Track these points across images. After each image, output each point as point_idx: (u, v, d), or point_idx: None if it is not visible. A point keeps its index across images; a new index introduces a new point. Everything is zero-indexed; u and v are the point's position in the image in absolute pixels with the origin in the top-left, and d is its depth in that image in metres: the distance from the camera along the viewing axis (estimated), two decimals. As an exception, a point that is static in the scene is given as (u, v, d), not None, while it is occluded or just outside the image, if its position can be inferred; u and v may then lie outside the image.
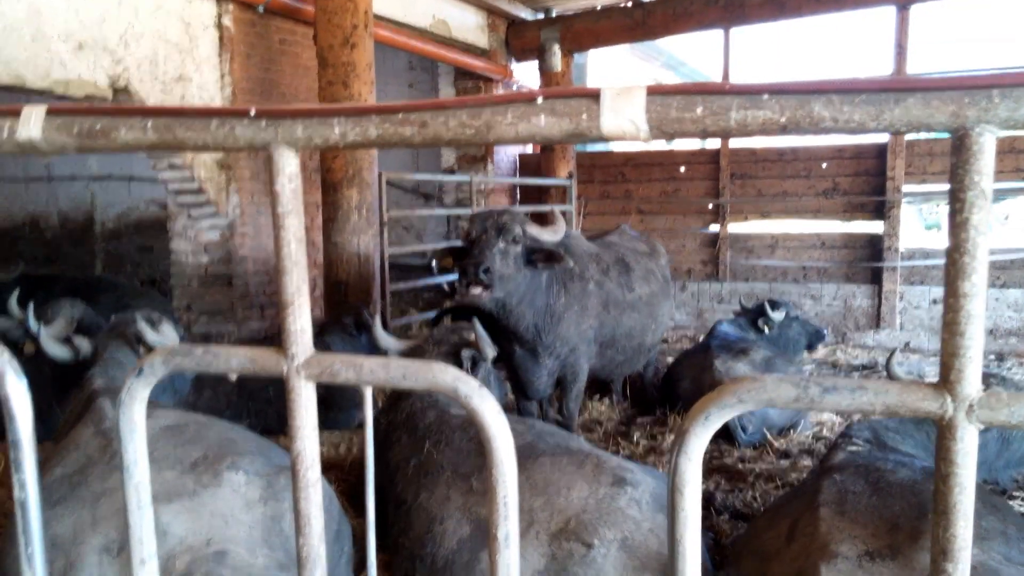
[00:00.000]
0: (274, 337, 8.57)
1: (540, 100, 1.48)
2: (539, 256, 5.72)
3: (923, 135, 11.81)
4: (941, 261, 11.29)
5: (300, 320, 1.72)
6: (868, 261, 11.67)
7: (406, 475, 4.23)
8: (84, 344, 5.15)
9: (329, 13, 7.71)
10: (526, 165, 13.59)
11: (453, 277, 11.69)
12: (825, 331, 9.16)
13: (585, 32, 12.49)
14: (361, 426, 7.09)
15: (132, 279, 13.97)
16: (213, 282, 8.15)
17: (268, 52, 8.33)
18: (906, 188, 11.47)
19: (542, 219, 6.59)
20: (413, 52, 10.60)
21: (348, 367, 1.70)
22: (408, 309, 11.90)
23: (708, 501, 5.34)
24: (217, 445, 3.91)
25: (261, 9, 8.17)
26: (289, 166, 1.67)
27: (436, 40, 10.99)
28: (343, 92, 7.76)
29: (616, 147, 14.23)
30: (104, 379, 4.62)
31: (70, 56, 6.50)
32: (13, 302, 6.37)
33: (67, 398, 6.27)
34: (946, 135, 1.21)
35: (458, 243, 5.82)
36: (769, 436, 6.80)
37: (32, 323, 5.62)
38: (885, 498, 3.46)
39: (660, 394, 7.67)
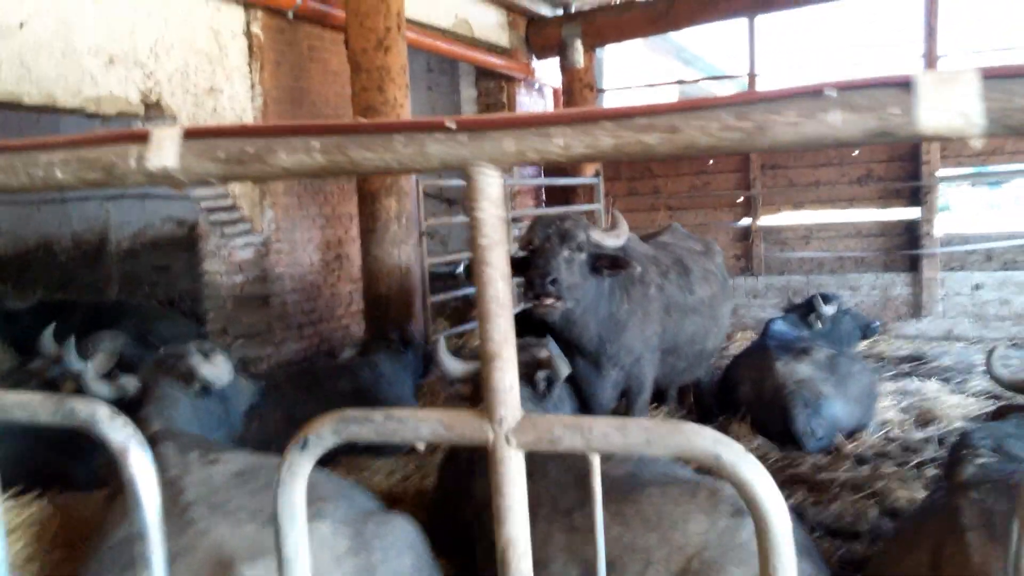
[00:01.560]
0: (315, 357, 8.28)
1: (832, 92, 1.18)
2: (604, 262, 5.44)
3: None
4: (981, 245, 11.03)
5: (508, 376, 1.43)
6: (906, 248, 11.37)
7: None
8: (131, 382, 4.82)
9: (361, 16, 7.44)
10: (551, 165, 13.28)
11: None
12: (877, 323, 8.87)
13: (608, 26, 12.19)
14: (412, 451, 6.79)
15: (149, 300, 13.68)
16: (248, 302, 7.85)
17: (298, 59, 8.04)
18: (941, 172, 11.16)
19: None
20: (437, 53, 10.31)
21: (572, 432, 1.41)
22: (438, 320, 11.60)
23: (798, 518, 5.05)
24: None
25: (291, 15, 7.88)
26: (493, 188, 1.38)
27: (459, 40, 10.70)
28: (378, 97, 7.48)
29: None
30: (161, 421, 4.32)
31: (101, 71, 6.21)
32: (48, 338, 6.05)
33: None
34: None
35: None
36: (839, 439, 6.51)
37: (75, 361, 5.31)
38: (1039, 517, 3.16)
39: (718, 400, 7.35)
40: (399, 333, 7.05)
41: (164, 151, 1.57)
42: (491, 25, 11.77)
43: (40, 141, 1.68)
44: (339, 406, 5.75)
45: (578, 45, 12.20)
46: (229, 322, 7.89)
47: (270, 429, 6.12)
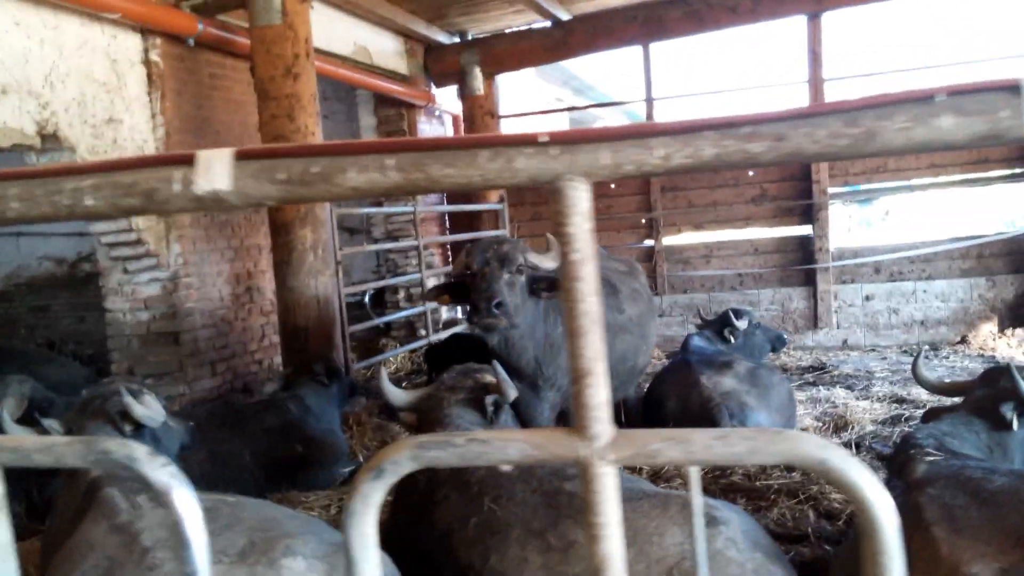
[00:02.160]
0: (230, 393, 7.99)
1: (942, 97, 1.21)
2: (542, 284, 5.46)
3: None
4: (870, 259, 11.58)
5: (601, 391, 1.39)
6: (801, 264, 11.84)
7: (465, 538, 3.85)
8: (53, 426, 4.53)
9: (268, 43, 7.28)
10: (453, 192, 13.27)
11: (400, 315, 11.34)
12: (785, 335, 9.18)
13: (506, 54, 12.32)
14: (345, 483, 6.63)
15: (27, 343, 12.93)
16: (157, 340, 7.51)
17: (199, 88, 7.79)
18: (831, 190, 11.70)
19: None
20: (340, 80, 10.18)
21: (671, 445, 1.39)
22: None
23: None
24: (260, 527, 3.50)
25: (191, 42, 7.64)
26: (584, 202, 1.35)
27: (359, 68, 10.61)
28: (288, 125, 7.33)
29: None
30: (105, 465, 4.07)
31: (-6, 102, 5.88)
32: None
33: (43, 489, 5.62)
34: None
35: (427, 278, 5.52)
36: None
37: None
38: (994, 509, 3.32)
39: (644, 416, 7.45)
40: (323, 365, 6.87)
41: (214, 173, 1.48)
42: (389, 53, 11.72)
43: (66, 167, 1.57)
44: (265, 442, 5.67)
45: (477, 72, 12.28)
46: (135, 361, 7.53)
47: (194, 470, 5.85)
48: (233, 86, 8.22)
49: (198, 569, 1.61)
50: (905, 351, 11.01)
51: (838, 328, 11.67)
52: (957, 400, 4.83)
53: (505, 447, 1.44)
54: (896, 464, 4.07)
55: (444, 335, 10.62)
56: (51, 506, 5.42)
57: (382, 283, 11.38)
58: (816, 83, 11.41)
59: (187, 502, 1.63)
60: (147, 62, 7.36)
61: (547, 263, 5.56)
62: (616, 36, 11.87)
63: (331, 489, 6.51)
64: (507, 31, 12.61)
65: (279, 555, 3.29)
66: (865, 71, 13.56)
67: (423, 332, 12.37)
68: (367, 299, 12.43)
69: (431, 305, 10.15)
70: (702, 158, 1.29)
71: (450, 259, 12.97)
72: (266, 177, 1.44)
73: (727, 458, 1.39)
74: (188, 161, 1.50)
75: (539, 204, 12.87)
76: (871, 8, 11.29)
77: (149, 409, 4.35)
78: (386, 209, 11.02)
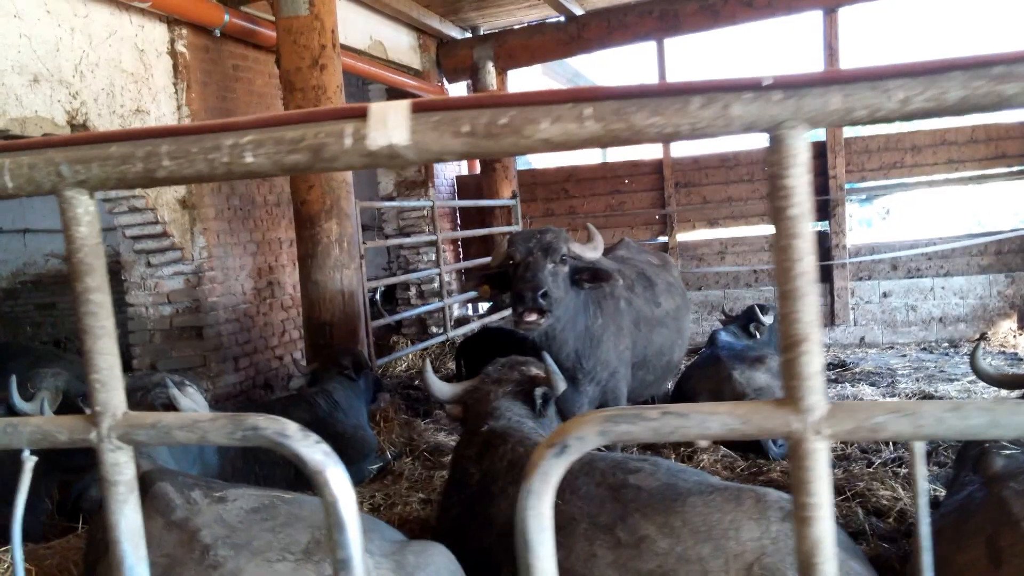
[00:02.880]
0: (252, 390, 7.86)
1: None
2: (585, 276, 5.36)
3: (859, 131, 12.09)
4: (887, 255, 11.50)
5: (816, 360, 1.29)
6: (817, 260, 11.73)
7: (527, 532, 3.75)
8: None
9: (295, 33, 7.16)
10: (464, 187, 13.19)
11: (411, 313, 11.19)
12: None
13: (519, 48, 12.22)
14: (374, 480, 6.52)
15: (33, 342, 12.78)
16: (180, 335, 7.38)
17: (223, 79, 7.67)
18: (848, 185, 11.63)
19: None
20: (354, 74, 10.06)
21: (897, 417, 1.28)
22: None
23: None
24: (321, 524, 3.39)
25: (218, 32, 7.52)
26: (804, 152, 1.26)
27: (375, 61, 10.50)
28: (314, 118, 7.19)
29: (557, 162, 13.98)
30: (147, 460, 3.97)
31: (25, 91, 5.73)
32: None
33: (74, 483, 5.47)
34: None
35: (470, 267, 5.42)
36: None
37: (20, 403, 4.84)
38: (1082, 502, 3.24)
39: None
40: (351, 359, 6.75)
41: (390, 127, 1.38)
42: (404, 48, 11.62)
43: (224, 122, 1.46)
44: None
45: (490, 67, 12.17)
46: (158, 356, 7.40)
47: (227, 468, 5.76)
48: (255, 78, 8.10)
49: (352, 555, 1.52)
50: (924, 348, 10.95)
51: (855, 325, 11.60)
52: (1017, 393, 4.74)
53: (705, 421, 1.34)
54: (967, 458, 3.99)
55: (462, 331, 10.51)
56: (79, 502, 5.31)
57: (398, 279, 11.25)
58: (833, 78, 11.31)
59: (342, 482, 1.52)
60: (173, 52, 7.23)
61: (589, 253, 5.46)
62: (631, 31, 11.78)
63: (361, 486, 6.41)
64: (519, 26, 12.49)
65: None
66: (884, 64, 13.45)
67: (435, 329, 12.29)
68: (378, 296, 12.31)
69: (445, 301, 10.04)
70: (946, 102, 1.19)
71: (461, 255, 12.87)
72: (448, 130, 1.34)
73: (961, 431, 1.29)
74: (360, 114, 1.40)
75: (551, 200, 12.77)
76: (889, 3, 11.21)
77: (194, 402, 4.23)
78: (406, 203, 10.91)
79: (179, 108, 7.26)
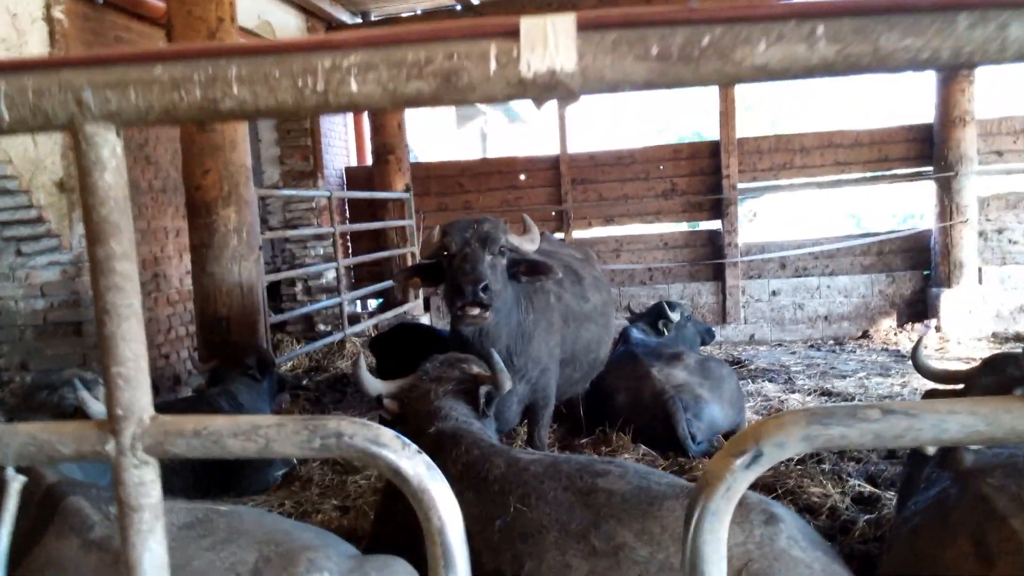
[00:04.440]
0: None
1: None
2: (522, 268, 5.11)
3: (752, 131, 12.31)
4: (777, 254, 11.76)
5: None
6: (710, 259, 11.91)
7: (490, 542, 3.45)
8: (-13, 417, 3.84)
9: (189, 4, 6.61)
10: (354, 179, 12.70)
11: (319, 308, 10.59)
12: (715, 328, 9.14)
13: (414, 37, 11.83)
14: (280, 487, 6.08)
15: None
16: (55, 332, 6.69)
17: (106, 51, 7.00)
18: (740, 185, 11.83)
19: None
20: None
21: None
22: (279, 340, 10.70)
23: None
24: (269, 540, 3.04)
25: (99, 0, 6.85)
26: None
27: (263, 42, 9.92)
28: (213, 96, 6.66)
29: (453, 156, 13.68)
30: (52, 471, 3.45)
31: None
32: None
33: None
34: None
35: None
36: (720, 442, 6.56)
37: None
38: (1065, 497, 3.21)
39: (590, 409, 7.17)
40: (256, 358, 6.27)
41: (552, 47, 1.09)
42: (292, 30, 11.07)
43: (318, 39, 1.13)
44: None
45: (383, 55, 11.72)
46: (30, 355, 6.69)
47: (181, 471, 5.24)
48: (141, 52, 7.44)
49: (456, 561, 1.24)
50: (812, 346, 11.24)
51: (745, 323, 11.81)
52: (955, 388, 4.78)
53: (943, 423, 1.11)
54: (926, 454, 3.94)
55: (357, 328, 10.07)
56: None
57: (295, 272, 10.68)
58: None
59: (450, 505, 1.22)
60: (49, 19, 6.54)
61: (527, 245, 5.22)
62: (529, 22, 11.57)
63: (268, 493, 5.97)
64: (412, 13, 12.12)
65: (303, 571, 2.85)
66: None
67: (323, 327, 11.77)
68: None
69: (343, 297, 9.58)
70: None
71: (351, 251, 12.39)
72: (630, 52, 1.06)
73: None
74: (508, 31, 1.10)
75: (445, 194, 12.46)
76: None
77: (104, 404, 3.74)
78: (304, 192, 10.37)
79: (58, 80, 6.57)
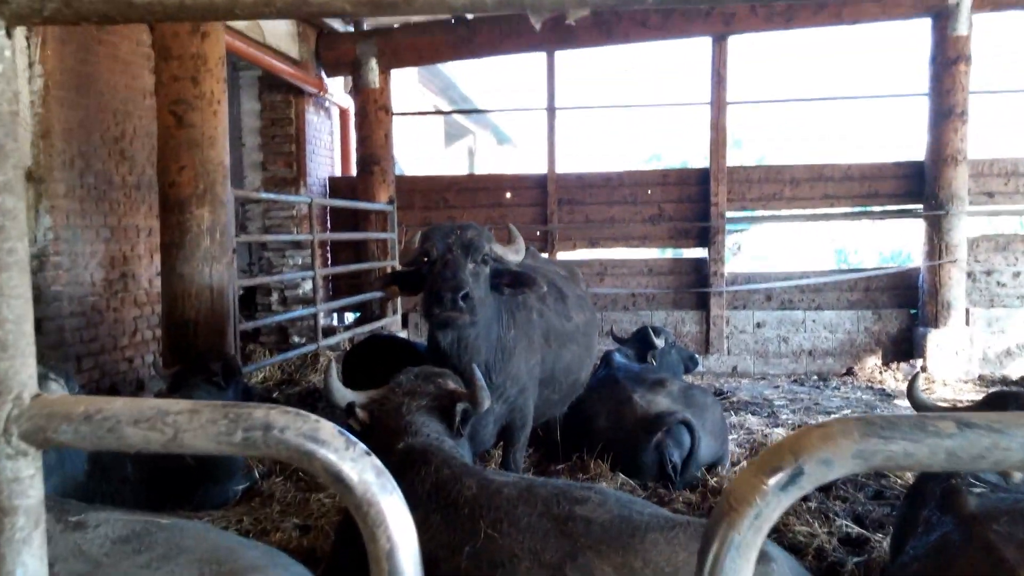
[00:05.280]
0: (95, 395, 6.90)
1: None
2: (506, 280, 4.87)
3: (742, 160, 12.17)
4: (763, 285, 11.59)
5: None
6: (695, 287, 11.72)
7: (457, 568, 3.19)
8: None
9: (173, -4, 6.36)
10: (337, 189, 12.44)
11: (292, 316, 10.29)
12: (698, 356, 8.93)
13: (405, 47, 11.67)
14: (240, 502, 5.77)
15: None
16: (14, 326, 6.38)
17: (85, 40, 6.75)
18: (728, 214, 11.66)
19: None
20: (231, 52, 9.24)
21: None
22: (250, 348, 10.38)
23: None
24: (212, 559, 2.78)
25: (79, -13, 6.59)
26: None
27: (252, 42, 9.71)
28: (191, 89, 6.44)
29: (440, 171, 13.48)
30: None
31: None
32: None
33: None
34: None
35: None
36: (703, 474, 6.33)
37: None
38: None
39: (568, 434, 6.91)
40: (222, 365, 5.97)
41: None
42: (281, 33, 10.85)
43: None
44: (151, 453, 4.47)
45: (373, 64, 11.55)
46: (-15, 352, 6.36)
47: (67, 483, 4.89)
48: (121, 42, 7.20)
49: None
50: (795, 380, 11.04)
51: (729, 354, 11.60)
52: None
53: None
54: (926, 494, 3.71)
55: (331, 341, 9.78)
56: None
57: (269, 279, 10.40)
58: (719, 105, 11.36)
59: (402, 520, 0.97)
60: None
61: (511, 256, 4.99)
62: (523, 40, 11.46)
63: (226, 508, 5.66)
64: (406, 23, 11.93)
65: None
66: (768, 97, 13.72)
67: (297, 339, 11.46)
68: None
69: (318, 307, 9.30)
70: None
71: (330, 261, 12.12)
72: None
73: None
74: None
75: (430, 208, 12.23)
76: (776, 35, 11.38)
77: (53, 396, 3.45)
78: (283, 197, 10.09)
79: (31, 66, 6.32)
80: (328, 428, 0.92)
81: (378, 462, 0.93)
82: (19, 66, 6.24)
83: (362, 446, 0.94)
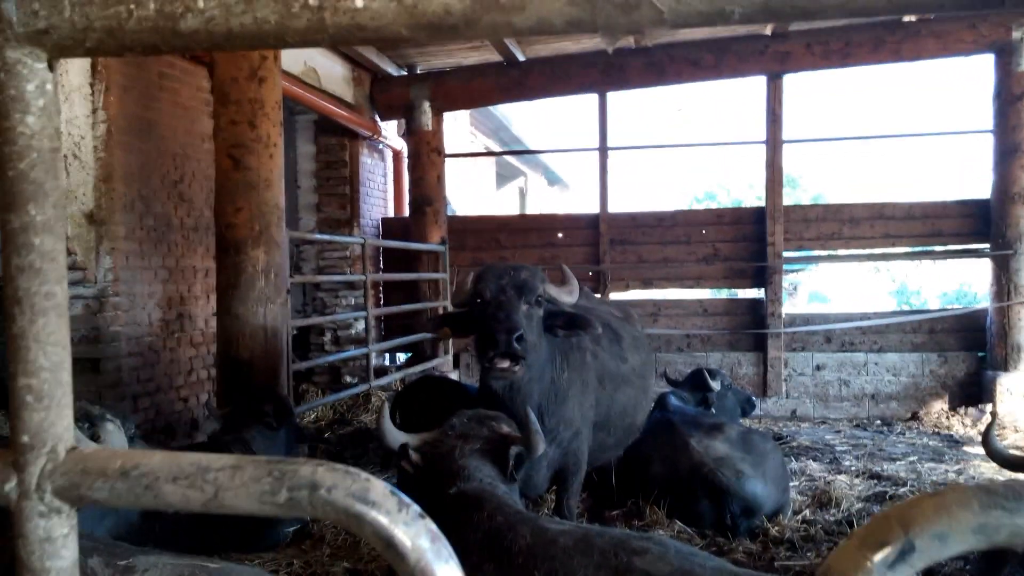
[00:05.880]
0: (149, 436, 6.95)
1: None
2: (559, 322, 4.79)
3: (799, 199, 11.98)
4: (823, 327, 11.33)
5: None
6: (751, 328, 11.50)
7: (510, 625, 3.09)
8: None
9: (232, 41, 6.47)
10: (390, 230, 12.51)
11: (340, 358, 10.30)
12: (755, 398, 8.71)
13: (457, 91, 11.76)
14: (291, 544, 5.72)
15: None
16: (73, 368, 6.43)
17: (147, 87, 6.89)
18: (786, 254, 11.46)
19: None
20: (287, 96, 9.38)
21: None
22: (304, 388, 10.44)
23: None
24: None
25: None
26: None
27: (308, 87, 9.86)
28: (249, 133, 6.52)
29: (491, 211, 13.51)
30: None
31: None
32: None
33: None
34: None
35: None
36: (764, 522, 6.12)
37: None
38: None
39: (623, 479, 6.75)
40: (274, 405, 5.96)
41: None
42: (337, 78, 11.01)
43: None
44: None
45: (426, 107, 11.66)
46: (45, 391, 6.45)
47: (121, 525, 4.87)
48: (181, 89, 7.35)
49: None
50: (857, 425, 10.72)
51: (787, 397, 11.33)
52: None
53: None
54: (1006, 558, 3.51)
55: (383, 381, 9.75)
56: None
57: (323, 319, 10.45)
58: (775, 144, 11.22)
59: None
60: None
61: (565, 297, 4.91)
62: (574, 82, 11.49)
63: (276, 551, 5.61)
64: (458, 66, 12.04)
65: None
66: (825, 135, 13.55)
67: (350, 378, 11.47)
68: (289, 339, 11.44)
69: (370, 348, 9.30)
70: None
71: (382, 301, 12.15)
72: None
73: None
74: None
75: (481, 249, 12.21)
76: (832, 73, 11.23)
77: (107, 445, 3.43)
78: (336, 237, 10.17)
79: (94, 112, 6.45)
80: (379, 488, 0.85)
81: (433, 526, 0.85)
82: (83, 112, 6.40)
83: (416, 508, 0.86)
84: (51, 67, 0.89)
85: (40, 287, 0.89)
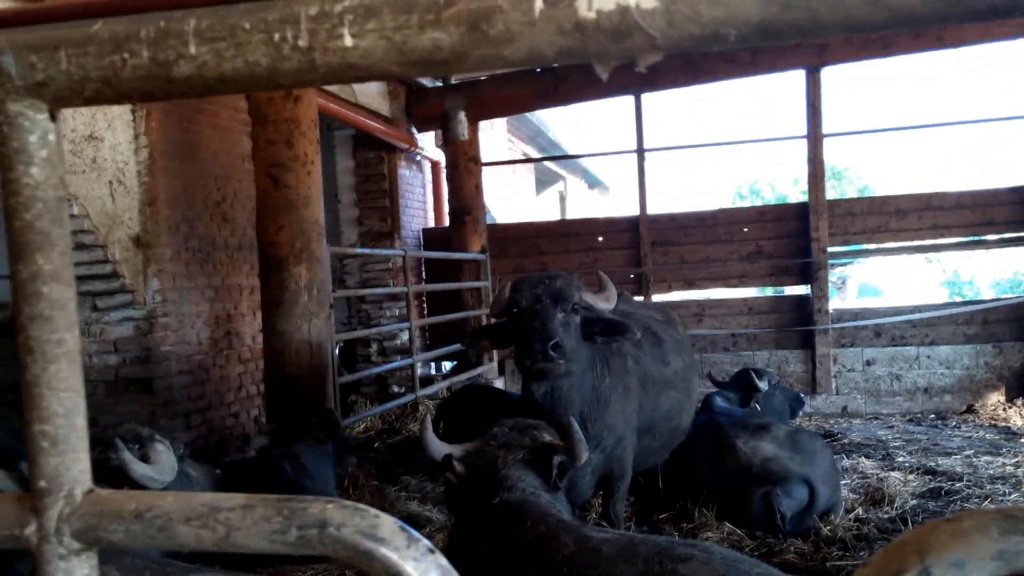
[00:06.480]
0: (202, 452, 7.05)
1: None
2: (597, 328, 4.77)
3: (844, 192, 11.79)
4: (871, 322, 11.14)
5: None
6: (798, 325, 11.34)
7: (555, 633, 3.07)
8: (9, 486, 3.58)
9: (266, 61, 6.57)
10: (431, 241, 12.58)
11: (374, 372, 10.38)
12: (804, 397, 8.59)
13: (492, 99, 11.79)
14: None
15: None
16: (127, 388, 6.59)
17: (187, 111, 7.01)
18: (831, 249, 11.28)
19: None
20: (324, 113, 9.48)
21: None
22: (352, 400, 10.56)
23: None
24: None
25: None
26: None
27: (344, 104, 9.95)
28: (286, 152, 6.62)
29: (531, 218, 13.52)
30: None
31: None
32: None
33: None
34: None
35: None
36: (816, 522, 6.03)
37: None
38: None
39: (670, 483, 6.70)
40: (321, 419, 6.03)
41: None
42: (373, 93, 11.10)
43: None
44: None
45: (462, 117, 11.70)
46: (101, 411, 6.59)
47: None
48: (220, 111, 7.45)
49: None
50: (910, 420, 10.51)
51: (837, 394, 11.15)
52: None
53: None
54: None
55: (429, 391, 9.80)
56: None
57: (366, 332, 10.54)
58: (816, 138, 11.05)
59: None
60: (128, 75, 6.57)
61: (602, 303, 4.89)
62: (609, 84, 11.42)
63: (329, 563, 5.65)
64: (492, 75, 12.06)
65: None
66: (865, 127, 13.34)
67: (397, 388, 11.54)
68: (336, 352, 11.55)
69: (414, 358, 9.35)
70: None
71: (426, 312, 12.21)
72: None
73: None
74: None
75: (522, 256, 12.23)
76: (872, 64, 11.05)
77: (157, 465, 3.48)
78: (377, 251, 10.26)
79: (136, 137, 6.58)
80: (388, 524, 0.85)
81: (443, 561, 0.85)
82: (126, 138, 6.52)
83: (425, 543, 0.86)
84: (53, 117, 0.90)
85: (51, 335, 0.90)
